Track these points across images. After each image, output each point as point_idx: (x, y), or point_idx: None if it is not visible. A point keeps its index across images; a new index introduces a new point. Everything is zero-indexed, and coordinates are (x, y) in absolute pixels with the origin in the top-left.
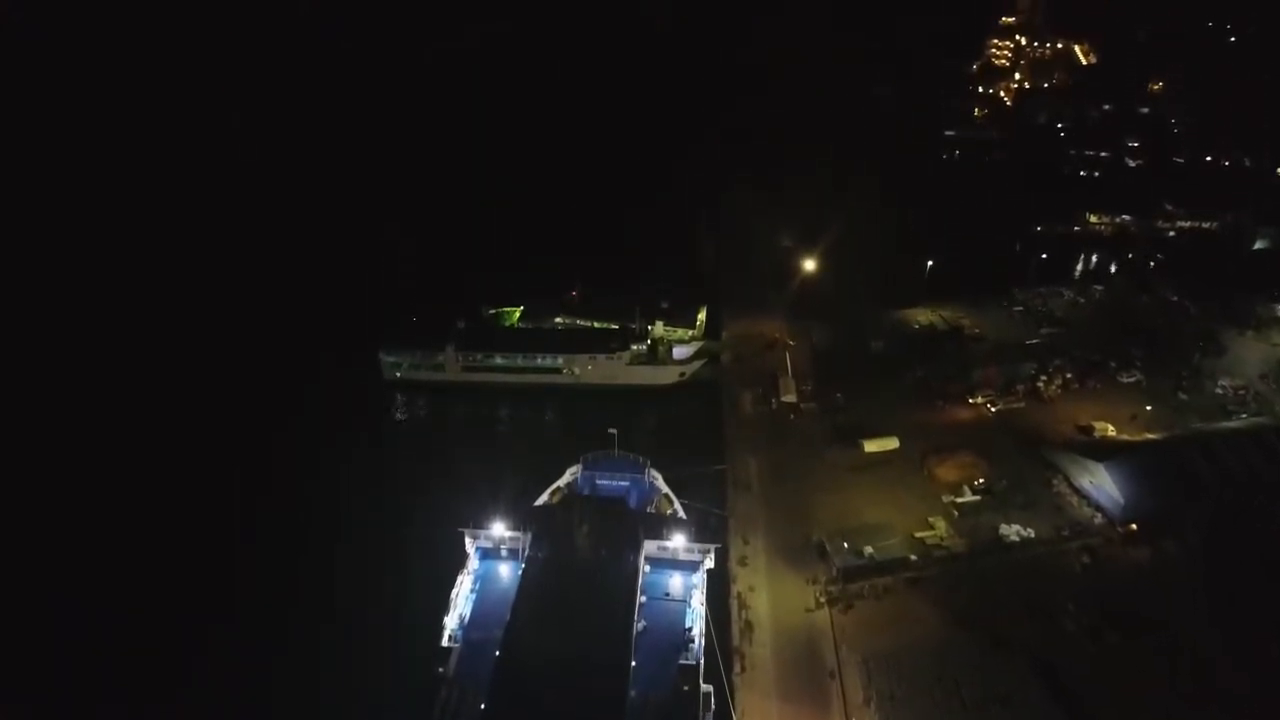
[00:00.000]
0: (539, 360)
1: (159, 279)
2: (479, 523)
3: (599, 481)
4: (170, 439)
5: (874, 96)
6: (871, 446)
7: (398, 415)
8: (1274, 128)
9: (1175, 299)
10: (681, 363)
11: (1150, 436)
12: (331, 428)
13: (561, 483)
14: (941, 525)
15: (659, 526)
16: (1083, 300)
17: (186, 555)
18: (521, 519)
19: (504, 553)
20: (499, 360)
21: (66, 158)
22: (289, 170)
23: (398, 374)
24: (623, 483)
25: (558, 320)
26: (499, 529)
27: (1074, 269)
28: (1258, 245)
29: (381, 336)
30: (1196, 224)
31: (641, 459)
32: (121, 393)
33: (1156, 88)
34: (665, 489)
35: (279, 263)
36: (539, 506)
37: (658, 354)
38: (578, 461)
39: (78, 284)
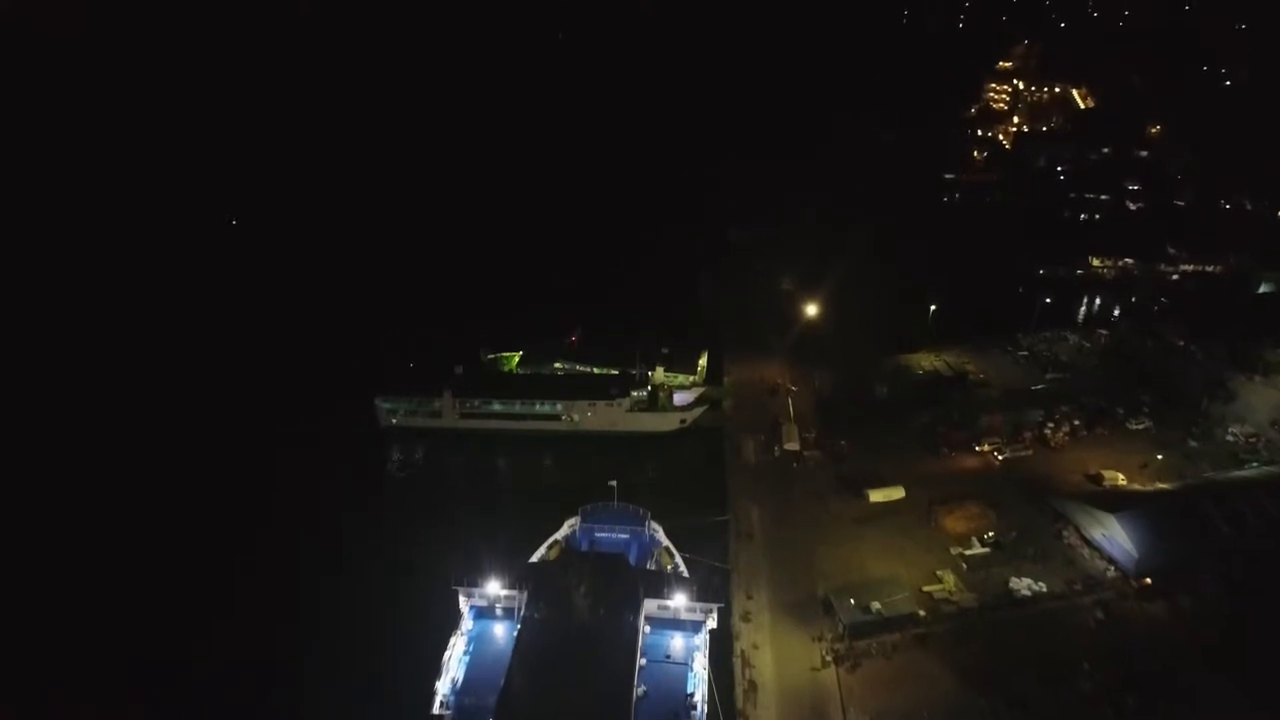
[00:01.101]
0: (537, 407)
1: (158, 320)
2: (473, 580)
3: (598, 534)
4: (157, 487)
5: (879, 141)
6: (877, 496)
7: (393, 464)
8: (1273, 171)
9: (1181, 344)
10: (682, 409)
11: (1162, 486)
12: (324, 476)
13: (559, 535)
14: (950, 579)
15: (660, 584)
16: (1088, 345)
17: (165, 611)
18: (518, 576)
19: (499, 612)
20: (497, 407)
21: (73, 207)
22: (288, 216)
23: (393, 420)
24: (622, 535)
25: (557, 366)
26: (494, 587)
27: (1078, 313)
28: (1262, 289)
29: (378, 382)
30: (1200, 267)
31: (642, 510)
32: (111, 435)
33: (1155, 131)
34: (666, 541)
35: (276, 307)
36: (536, 563)
37: (658, 400)
38: (576, 512)
39: (83, 322)
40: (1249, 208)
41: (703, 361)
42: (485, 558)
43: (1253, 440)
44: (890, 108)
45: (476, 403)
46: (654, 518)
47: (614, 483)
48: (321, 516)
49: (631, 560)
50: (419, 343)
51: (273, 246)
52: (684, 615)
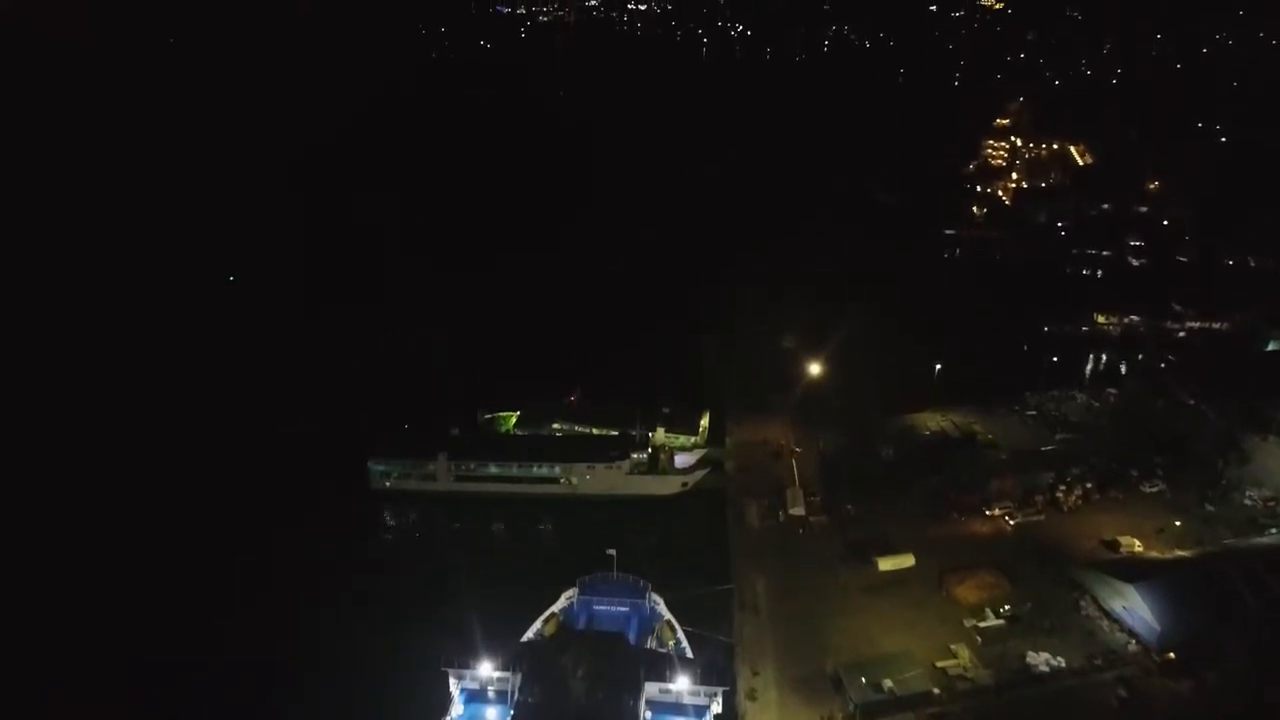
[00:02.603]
0: (535, 469)
1: (148, 378)
2: (465, 661)
3: (596, 607)
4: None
5: (878, 201)
6: (886, 564)
7: (384, 529)
8: (1274, 226)
9: (1192, 403)
10: (684, 472)
11: (1181, 553)
12: (312, 542)
13: (556, 608)
14: (964, 654)
15: (661, 666)
16: (1097, 404)
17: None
18: (511, 657)
19: (491, 695)
20: (493, 469)
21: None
22: (284, 272)
23: (386, 483)
24: (622, 608)
25: (555, 426)
26: (486, 669)
27: (1085, 371)
28: (1271, 346)
29: (370, 443)
30: (1206, 324)
31: (642, 582)
32: (94, 495)
33: (1154, 186)
34: (667, 615)
35: (268, 365)
36: (531, 643)
37: (659, 462)
38: (574, 582)
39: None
40: (1253, 264)
41: (704, 422)
42: (478, 635)
43: (1271, 504)
44: (889, 168)
45: (472, 465)
46: (655, 588)
47: (613, 551)
48: (305, 587)
49: (632, 635)
50: (413, 402)
51: (268, 299)
52: (687, 699)
